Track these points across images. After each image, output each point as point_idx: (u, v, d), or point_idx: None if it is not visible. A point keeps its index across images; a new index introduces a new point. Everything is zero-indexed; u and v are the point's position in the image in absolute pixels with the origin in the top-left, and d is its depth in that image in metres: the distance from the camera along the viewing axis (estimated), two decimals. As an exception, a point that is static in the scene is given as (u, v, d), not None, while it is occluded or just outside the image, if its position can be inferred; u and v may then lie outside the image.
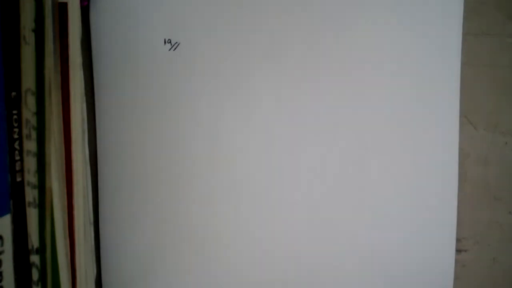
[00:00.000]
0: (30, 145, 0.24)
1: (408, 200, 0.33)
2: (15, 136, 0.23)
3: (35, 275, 0.24)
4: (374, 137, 0.33)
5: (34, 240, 0.24)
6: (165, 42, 0.32)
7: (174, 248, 0.34)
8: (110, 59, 0.32)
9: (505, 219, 0.35)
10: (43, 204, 0.24)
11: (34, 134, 0.24)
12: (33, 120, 0.24)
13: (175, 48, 0.32)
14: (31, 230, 0.24)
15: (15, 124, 0.23)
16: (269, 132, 0.33)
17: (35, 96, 0.24)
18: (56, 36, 0.26)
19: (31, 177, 0.24)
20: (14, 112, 0.23)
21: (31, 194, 0.24)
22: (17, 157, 0.23)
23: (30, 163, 0.24)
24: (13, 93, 0.23)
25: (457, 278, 0.34)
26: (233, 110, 0.33)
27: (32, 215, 0.24)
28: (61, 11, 0.27)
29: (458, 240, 0.34)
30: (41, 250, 0.24)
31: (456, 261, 0.34)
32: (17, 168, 0.23)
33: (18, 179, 0.23)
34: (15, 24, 0.23)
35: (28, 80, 0.23)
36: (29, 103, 0.23)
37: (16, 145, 0.23)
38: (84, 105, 0.29)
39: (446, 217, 0.33)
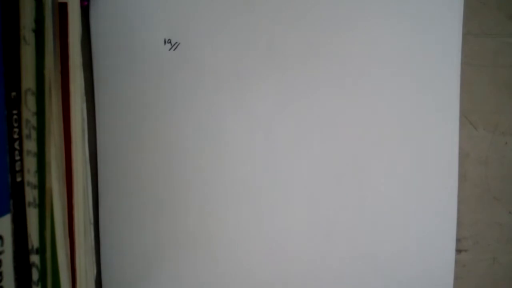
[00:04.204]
0: (30, 145, 0.24)
1: (408, 200, 0.33)
2: (15, 136, 0.23)
3: (35, 275, 0.24)
4: (374, 137, 0.33)
5: (34, 240, 0.24)
6: (165, 42, 0.32)
7: (174, 248, 0.34)
8: (110, 59, 0.32)
9: (505, 219, 0.35)
10: (43, 204, 0.24)
11: (34, 134, 0.24)
12: (33, 120, 0.24)
13: (175, 48, 0.32)
14: (31, 230, 0.24)
15: (15, 124, 0.23)
16: (269, 132, 0.33)
17: (35, 96, 0.24)
18: (56, 36, 0.26)
19: (31, 177, 0.24)
20: (14, 112, 0.23)
21: (31, 194, 0.24)
22: (17, 157, 0.23)
23: (30, 163, 0.24)
24: (13, 93, 0.23)
25: (457, 278, 0.34)
26: (233, 110, 0.33)
27: (32, 215, 0.24)
28: (61, 11, 0.27)
29: (458, 240, 0.34)
30: (41, 250, 0.24)
31: (456, 261, 0.34)
32: (17, 168, 0.23)
33: (18, 179, 0.23)
34: (15, 24, 0.23)
35: (28, 80, 0.23)
36: (29, 103, 0.23)
37: (16, 145, 0.23)
38: (84, 105, 0.29)
39: (446, 217, 0.34)
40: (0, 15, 0.22)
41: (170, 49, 0.32)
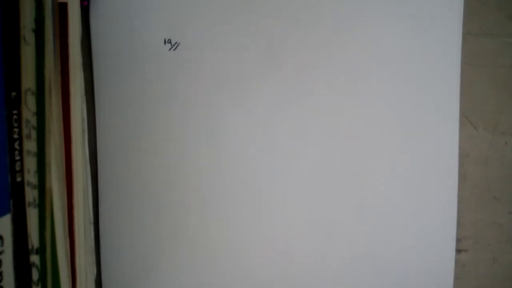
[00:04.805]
0: (30, 145, 0.24)
1: (408, 200, 0.33)
2: (15, 136, 0.23)
3: (35, 275, 0.24)
4: (374, 137, 0.33)
5: (34, 240, 0.24)
6: (165, 42, 0.32)
7: (174, 248, 0.34)
8: (110, 59, 0.32)
9: (505, 219, 0.35)
10: (43, 204, 0.24)
11: (34, 134, 0.24)
12: (33, 120, 0.24)
13: (175, 48, 0.32)
14: (31, 230, 0.24)
15: (15, 124, 0.23)
16: (269, 132, 0.33)
17: (35, 96, 0.24)
18: (56, 36, 0.26)
19: (31, 177, 0.24)
20: (14, 112, 0.23)
21: (31, 194, 0.24)
22: (17, 157, 0.23)
23: (30, 163, 0.24)
24: (13, 93, 0.23)
25: (457, 278, 0.34)
26: (233, 110, 0.33)
27: (32, 215, 0.24)
28: (61, 11, 0.27)
29: (458, 240, 0.34)
30: (41, 250, 0.24)
31: (456, 261, 0.34)
32: (17, 168, 0.23)
33: (18, 179, 0.23)
34: (15, 24, 0.23)
35: (28, 80, 0.23)
36: (29, 103, 0.23)
37: (16, 145, 0.23)
38: (84, 105, 0.29)
39: (446, 217, 0.34)
40: (0, 15, 0.22)
41: (170, 49, 0.32)
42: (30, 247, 0.24)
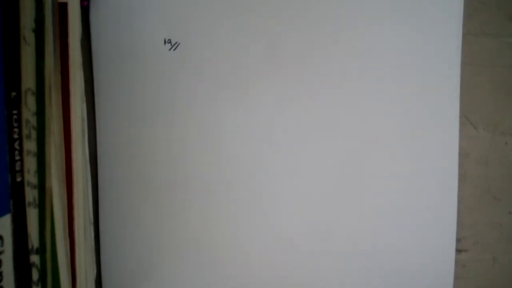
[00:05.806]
0: (30, 145, 0.24)
1: (408, 200, 0.33)
2: (15, 136, 0.23)
3: (35, 275, 0.24)
4: (374, 137, 0.33)
5: (34, 240, 0.24)
6: (165, 42, 0.32)
7: (174, 248, 0.34)
8: (110, 59, 0.32)
9: (505, 219, 0.35)
10: (43, 204, 0.24)
11: (34, 134, 0.24)
12: (33, 120, 0.24)
13: (175, 48, 0.32)
14: (31, 230, 0.24)
15: (15, 124, 0.23)
16: (268, 132, 0.33)
17: (35, 96, 0.24)
18: (56, 36, 0.26)
19: (31, 177, 0.24)
20: (14, 112, 0.23)
21: (31, 194, 0.24)
22: (17, 157, 0.23)
23: (30, 163, 0.24)
24: (13, 93, 0.23)
25: (457, 278, 0.34)
26: (233, 110, 0.33)
27: (32, 215, 0.24)
28: (61, 11, 0.27)
29: (458, 240, 0.34)
30: (41, 250, 0.24)
31: (456, 261, 0.34)
32: (17, 168, 0.23)
33: (18, 179, 0.23)
34: (15, 24, 0.23)
35: (28, 80, 0.23)
36: (29, 103, 0.23)
37: (16, 145, 0.23)
38: (84, 105, 0.29)
39: (446, 217, 0.34)
40: (0, 15, 0.22)
41: (170, 49, 0.32)
42: (30, 247, 0.24)
